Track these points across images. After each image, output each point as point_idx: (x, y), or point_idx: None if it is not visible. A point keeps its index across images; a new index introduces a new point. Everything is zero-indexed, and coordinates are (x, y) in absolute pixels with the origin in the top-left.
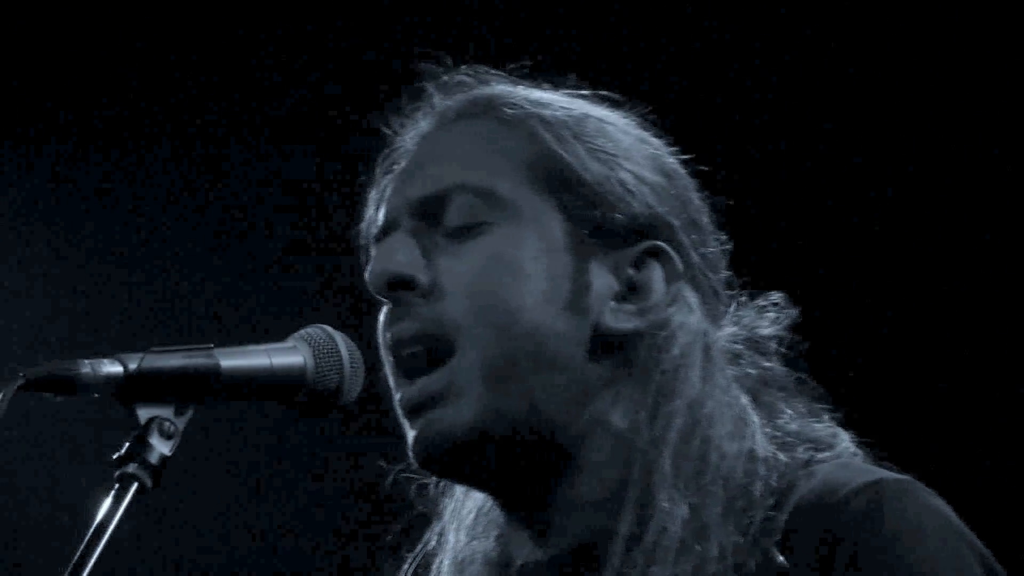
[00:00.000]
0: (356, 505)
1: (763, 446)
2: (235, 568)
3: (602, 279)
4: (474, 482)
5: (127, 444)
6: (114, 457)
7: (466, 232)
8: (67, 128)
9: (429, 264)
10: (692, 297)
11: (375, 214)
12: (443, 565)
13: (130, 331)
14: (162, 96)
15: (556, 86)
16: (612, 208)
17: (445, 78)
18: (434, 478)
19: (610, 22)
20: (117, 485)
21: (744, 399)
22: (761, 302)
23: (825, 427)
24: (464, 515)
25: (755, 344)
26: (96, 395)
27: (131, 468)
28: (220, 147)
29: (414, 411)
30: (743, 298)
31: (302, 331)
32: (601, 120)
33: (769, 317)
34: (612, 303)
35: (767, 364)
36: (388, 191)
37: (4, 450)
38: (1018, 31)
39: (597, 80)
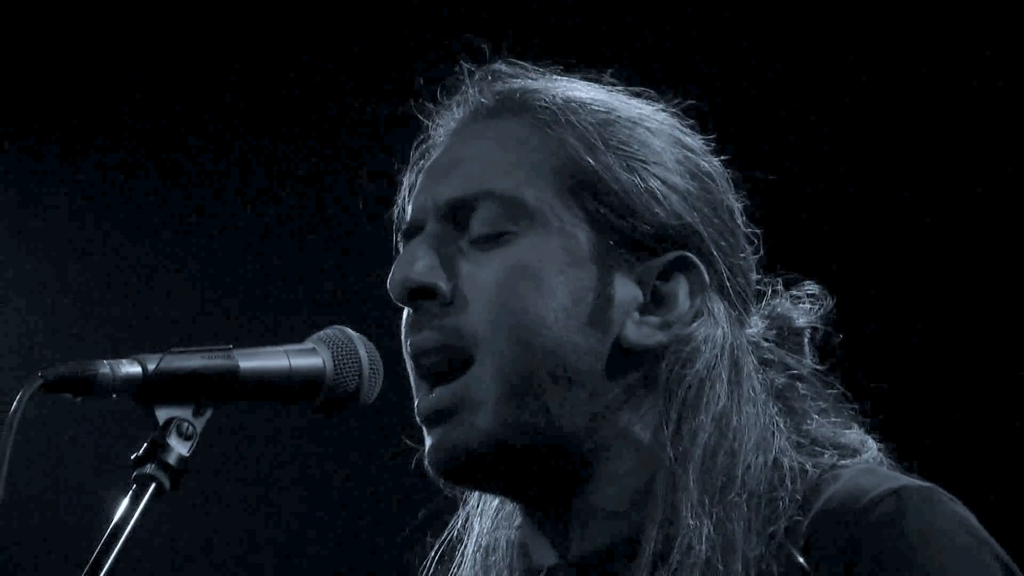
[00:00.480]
0: (382, 492)
1: (789, 455)
2: (250, 566)
3: (626, 290)
4: (489, 491)
5: (145, 445)
6: (132, 458)
7: (491, 241)
8: (88, 131)
9: (451, 272)
10: (719, 308)
11: (406, 203)
12: (468, 552)
13: (149, 332)
14: (184, 97)
15: (595, 81)
16: (640, 218)
17: (481, 69)
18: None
19: (652, 15)
20: (135, 486)
21: (771, 406)
22: (795, 292)
23: (853, 433)
24: (489, 502)
25: (786, 340)
26: (115, 396)
27: (149, 469)
28: (241, 147)
29: (431, 420)
30: (778, 287)
31: (321, 332)
32: (634, 123)
33: (803, 308)
34: (636, 315)
35: (797, 366)
36: (419, 185)
37: (23, 450)
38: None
39: (636, 73)
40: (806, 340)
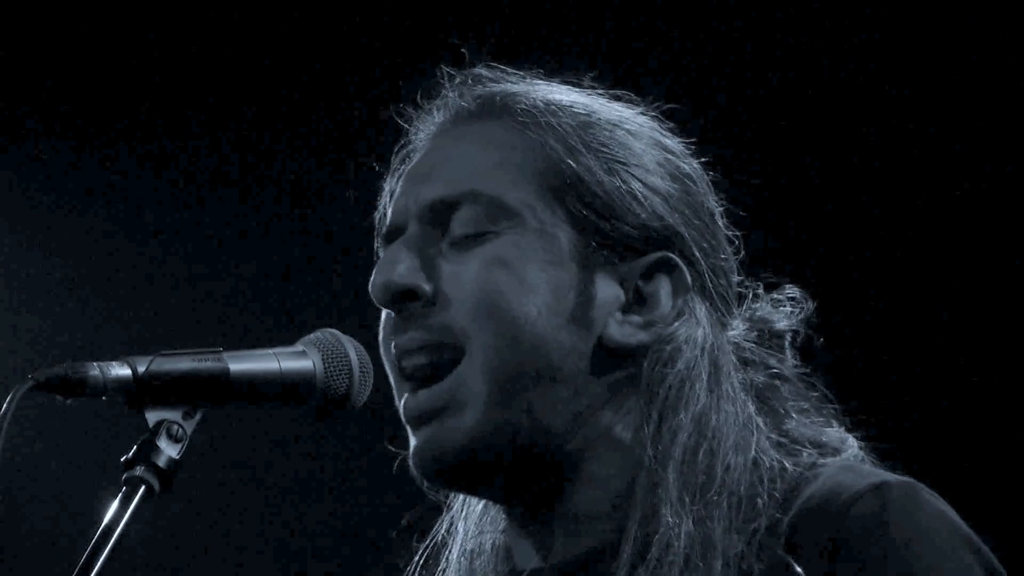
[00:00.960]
0: (366, 496)
1: (769, 454)
2: (239, 569)
3: (609, 290)
4: (474, 493)
5: (135, 447)
6: (122, 460)
7: (471, 240)
8: (79, 131)
9: (433, 273)
10: (700, 308)
11: (387, 207)
12: (452, 556)
13: (140, 335)
14: (175, 100)
15: (573, 83)
16: (621, 219)
17: (461, 74)
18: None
19: (629, 18)
20: (124, 488)
21: (751, 406)
22: (776, 295)
23: (834, 432)
24: (473, 506)
25: (767, 342)
26: (105, 397)
27: (139, 471)
28: (235, 150)
29: (419, 421)
30: (758, 291)
31: (311, 335)
32: (614, 125)
33: (784, 311)
34: (618, 315)
35: (777, 366)
36: (399, 189)
37: (13, 452)
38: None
39: (615, 77)
40: (787, 343)
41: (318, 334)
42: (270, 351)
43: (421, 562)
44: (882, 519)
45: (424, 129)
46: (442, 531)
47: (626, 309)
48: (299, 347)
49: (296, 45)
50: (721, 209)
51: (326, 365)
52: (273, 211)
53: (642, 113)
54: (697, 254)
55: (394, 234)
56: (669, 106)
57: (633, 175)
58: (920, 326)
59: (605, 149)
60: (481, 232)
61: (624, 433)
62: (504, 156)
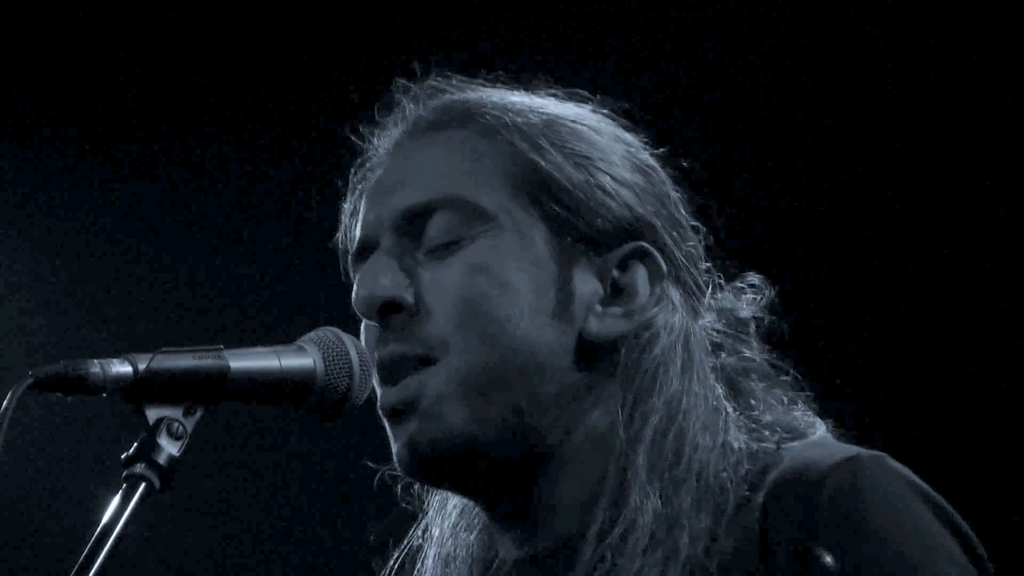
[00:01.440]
0: (341, 503)
1: (737, 437)
2: (229, 570)
3: (587, 285)
4: (458, 488)
5: (135, 444)
6: (122, 457)
7: (448, 248)
8: (79, 129)
9: (413, 283)
10: (675, 294)
11: (352, 226)
12: (428, 561)
13: (140, 332)
14: (172, 96)
15: (527, 88)
16: (594, 213)
17: (417, 86)
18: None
19: (580, 17)
20: (124, 486)
21: (720, 389)
22: (738, 284)
23: (802, 415)
24: (449, 511)
25: (734, 330)
26: (105, 395)
27: (139, 468)
28: (230, 147)
29: (395, 415)
30: (720, 281)
31: (311, 333)
32: (575, 122)
33: (747, 299)
34: (598, 307)
35: (747, 352)
36: (365, 203)
37: (14, 449)
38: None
39: (569, 77)
40: (752, 330)
41: (318, 332)
42: (270, 349)
43: (396, 566)
44: (855, 490)
45: (382, 144)
46: (417, 536)
47: (605, 301)
48: (299, 345)
49: (305, 40)
50: (682, 197)
51: (326, 363)
52: (273, 209)
53: (594, 111)
54: (669, 242)
55: (367, 249)
56: (618, 103)
57: (601, 169)
58: (893, 313)
59: (571, 146)
60: (458, 238)
61: (600, 421)
62: (473, 160)
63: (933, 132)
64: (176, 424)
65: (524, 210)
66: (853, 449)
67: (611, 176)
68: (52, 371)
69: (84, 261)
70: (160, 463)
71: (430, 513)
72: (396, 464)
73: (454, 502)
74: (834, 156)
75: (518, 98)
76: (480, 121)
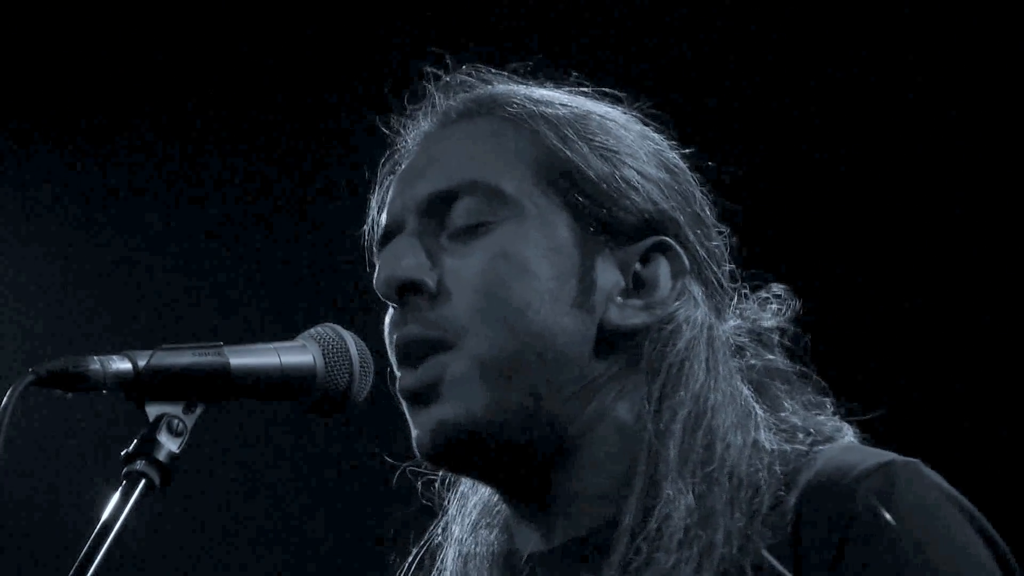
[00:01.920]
0: (344, 501)
1: (768, 437)
2: (238, 567)
3: (609, 275)
4: (478, 475)
5: (135, 441)
6: (122, 454)
7: (471, 232)
8: (79, 126)
9: (435, 266)
10: (698, 291)
11: (378, 216)
12: (447, 559)
13: (140, 329)
14: (170, 92)
15: (557, 84)
16: (617, 205)
17: (447, 78)
18: (439, 472)
19: (611, 18)
20: (124, 482)
21: (747, 391)
22: (763, 294)
23: (829, 420)
24: (469, 509)
25: (758, 337)
26: (105, 392)
27: (139, 465)
28: (229, 143)
29: (413, 399)
30: (745, 291)
31: (311, 330)
32: (603, 117)
33: (771, 309)
34: (619, 299)
35: (770, 357)
36: (391, 192)
37: (13, 446)
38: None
39: (598, 77)
40: (775, 340)
41: (319, 329)
42: (271, 346)
43: (415, 563)
44: (890, 496)
45: (411, 136)
46: (437, 534)
47: (626, 293)
48: (300, 342)
49: (302, 38)
50: (708, 200)
51: (327, 360)
52: (274, 206)
53: (624, 111)
54: (692, 239)
55: (392, 234)
56: (650, 106)
57: (626, 163)
58: (915, 320)
59: (597, 138)
60: (481, 222)
61: (626, 413)
62: (499, 147)
63: (964, 140)
64: (176, 421)
65: (548, 198)
66: (887, 455)
67: (636, 170)
68: (52, 368)
69: (84, 258)
70: (160, 460)
71: (450, 511)
72: (415, 449)
73: (474, 500)
74: (865, 168)
75: (547, 91)
76: (508, 110)
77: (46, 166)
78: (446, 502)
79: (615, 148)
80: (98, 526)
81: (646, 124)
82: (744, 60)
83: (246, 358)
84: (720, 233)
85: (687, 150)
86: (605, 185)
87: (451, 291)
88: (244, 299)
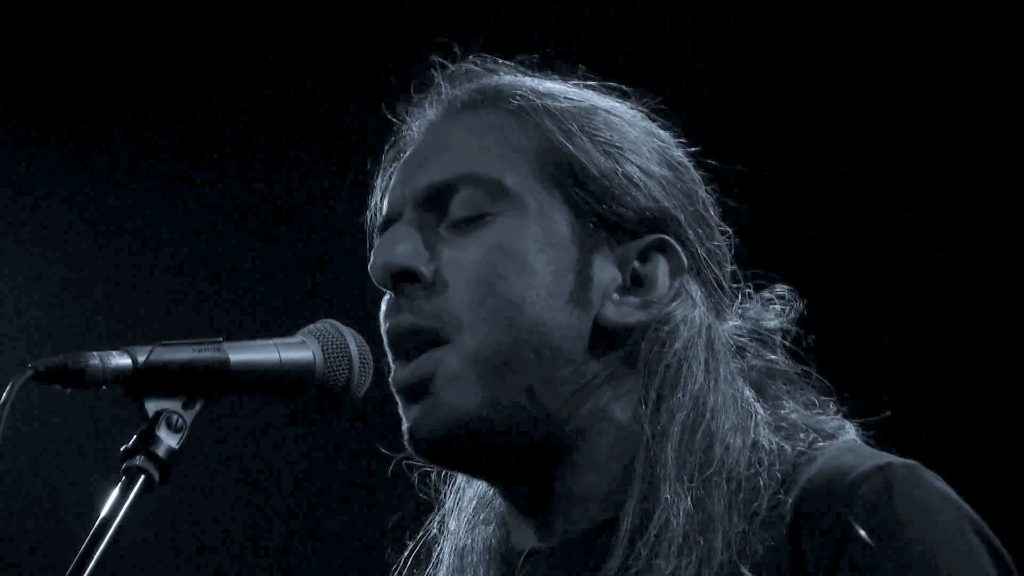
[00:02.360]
0: (342, 496)
1: (767, 437)
2: (236, 561)
3: (606, 272)
4: (471, 471)
5: (134, 437)
6: (121, 450)
7: (470, 224)
8: (78, 122)
9: (432, 256)
10: (697, 291)
11: (380, 202)
12: (444, 553)
13: (139, 325)
14: (166, 89)
15: (564, 77)
16: (618, 201)
17: (453, 67)
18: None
19: (619, 13)
20: (124, 478)
21: (748, 391)
22: (766, 295)
23: (830, 419)
24: (465, 503)
25: (760, 338)
26: (104, 387)
27: (138, 461)
28: (228, 139)
29: (407, 392)
30: (748, 291)
31: (311, 326)
32: (608, 112)
33: (774, 310)
34: (616, 296)
35: (772, 357)
36: (393, 180)
37: (13, 441)
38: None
39: (605, 71)
40: (778, 341)
41: (318, 325)
42: (270, 342)
43: (411, 558)
44: (889, 499)
45: (416, 123)
46: (434, 528)
47: (623, 290)
48: (299, 338)
49: (292, 37)
50: (712, 199)
51: (326, 356)
52: (273, 202)
53: (632, 107)
54: (692, 238)
55: (391, 221)
56: (656, 104)
57: (628, 159)
58: (918, 319)
59: (600, 133)
60: (480, 214)
61: (622, 413)
62: (501, 140)
63: (972, 140)
64: (175, 417)
65: (548, 192)
66: (886, 456)
67: (639, 167)
68: (52, 363)
69: (82, 254)
70: (159, 456)
71: (447, 504)
72: (406, 442)
73: (470, 494)
74: (871, 168)
75: (554, 84)
76: (512, 102)
77: (45, 163)
78: (443, 495)
79: (618, 144)
80: (97, 522)
81: (652, 121)
82: (754, 59)
83: (245, 354)
84: (723, 233)
85: (694, 149)
86: (607, 181)
87: (447, 281)
88: (244, 295)
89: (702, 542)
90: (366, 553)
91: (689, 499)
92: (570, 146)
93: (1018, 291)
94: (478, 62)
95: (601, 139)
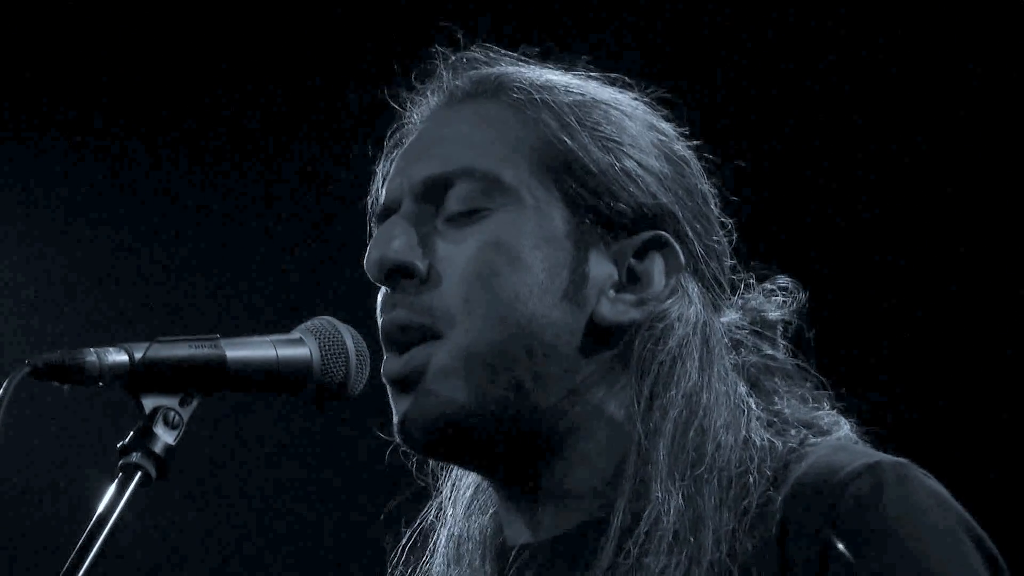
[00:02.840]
0: (339, 492)
1: (759, 434)
2: (233, 555)
3: (602, 268)
4: (460, 464)
5: (131, 433)
6: (118, 446)
7: (465, 218)
8: (77, 120)
9: (427, 250)
10: (693, 287)
11: (380, 189)
12: (440, 541)
13: (136, 322)
14: (167, 87)
15: (567, 68)
16: (616, 197)
17: (455, 56)
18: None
19: (624, 2)
20: (120, 474)
21: (742, 387)
22: (768, 286)
23: (825, 414)
24: (462, 491)
25: (759, 330)
26: (102, 384)
27: (135, 457)
28: (225, 135)
29: (397, 385)
30: (751, 281)
31: (308, 323)
32: (608, 105)
33: (776, 301)
34: (611, 292)
35: (769, 351)
36: (393, 169)
37: (10, 438)
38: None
39: (608, 62)
40: (779, 333)
41: (315, 321)
42: (267, 338)
43: (408, 546)
44: (877, 498)
45: (418, 112)
46: (431, 516)
47: (619, 287)
48: (296, 335)
49: (290, 32)
50: (714, 193)
51: (323, 352)
52: (270, 198)
53: (635, 99)
54: (690, 234)
55: (388, 212)
56: (661, 93)
57: (627, 154)
58: (914, 315)
59: (600, 128)
60: (476, 208)
61: (615, 410)
62: (499, 133)
63: (973, 138)
64: (172, 413)
65: (545, 187)
66: (876, 454)
67: (637, 162)
68: (49, 360)
69: (80, 250)
70: (156, 452)
71: (444, 492)
72: (396, 434)
73: (467, 482)
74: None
75: (555, 76)
76: (512, 95)
77: (45, 161)
78: (440, 483)
79: (617, 138)
80: (94, 518)
81: (655, 113)
82: (758, 53)
83: (242, 351)
84: (724, 228)
85: (695, 142)
86: (604, 176)
87: (441, 277)
88: (241, 292)
89: (692, 540)
90: (363, 541)
91: (680, 497)
92: (568, 141)
93: (1017, 288)
94: (481, 51)
95: (600, 133)
